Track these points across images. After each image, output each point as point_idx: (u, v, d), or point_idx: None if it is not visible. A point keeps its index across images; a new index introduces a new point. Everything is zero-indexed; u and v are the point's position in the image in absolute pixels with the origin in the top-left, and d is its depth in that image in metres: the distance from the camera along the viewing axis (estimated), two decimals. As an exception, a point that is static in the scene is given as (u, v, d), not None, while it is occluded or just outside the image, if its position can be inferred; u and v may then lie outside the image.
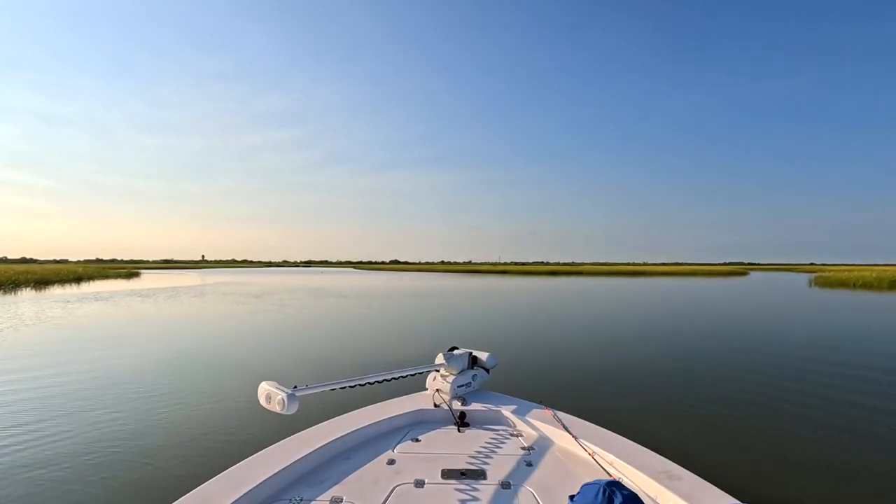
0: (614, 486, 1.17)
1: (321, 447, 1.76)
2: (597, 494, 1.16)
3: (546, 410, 2.17)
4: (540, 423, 2.07)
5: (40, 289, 24.98)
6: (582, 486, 1.23)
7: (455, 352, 2.49)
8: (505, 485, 1.57)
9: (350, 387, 1.92)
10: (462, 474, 1.64)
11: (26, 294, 21.01)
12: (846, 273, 34.09)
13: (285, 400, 1.55)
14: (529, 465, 1.74)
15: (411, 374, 2.27)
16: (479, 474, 1.64)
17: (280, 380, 1.66)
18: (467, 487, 1.56)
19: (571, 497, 1.24)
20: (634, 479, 1.59)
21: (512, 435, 2.04)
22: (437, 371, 2.43)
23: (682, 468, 1.59)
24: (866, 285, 28.18)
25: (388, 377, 2.09)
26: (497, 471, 1.68)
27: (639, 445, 1.79)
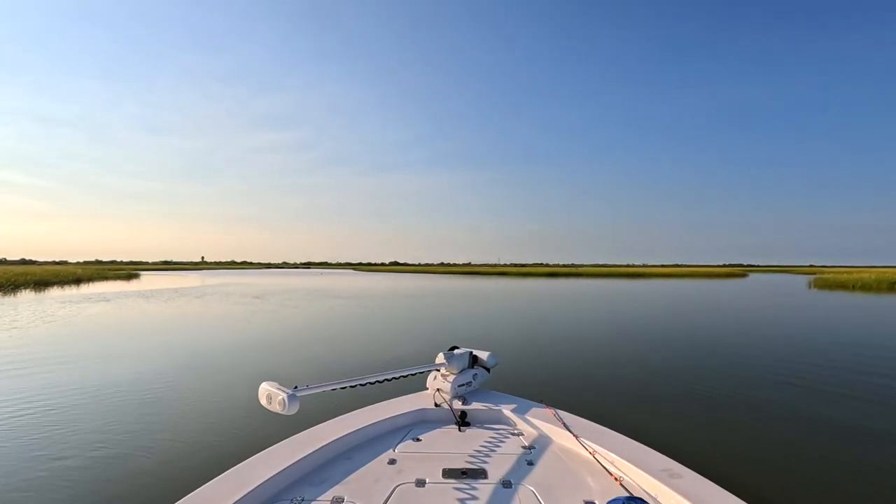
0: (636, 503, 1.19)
1: (322, 447, 1.75)
2: None
3: (547, 409, 2.16)
4: (541, 423, 2.07)
5: (40, 290, 24.95)
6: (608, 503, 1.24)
7: (455, 351, 2.48)
8: (506, 484, 1.57)
9: (350, 387, 1.92)
10: (463, 473, 1.63)
11: (26, 296, 20.98)
12: (845, 275, 34.04)
13: (286, 400, 1.54)
14: (530, 464, 1.73)
15: (412, 374, 2.27)
16: (480, 473, 1.64)
17: (280, 380, 1.65)
18: (468, 487, 1.55)
19: None
20: (636, 477, 1.59)
21: (513, 434, 2.03)
22: (438, 370, 2.42)
23: (683, 466, 1.59)
24: (865, 287, 28.11)
25: (389, 377, 2.08)
26: (498, 470, 1.67)
27: (640, 444, 1.78)
